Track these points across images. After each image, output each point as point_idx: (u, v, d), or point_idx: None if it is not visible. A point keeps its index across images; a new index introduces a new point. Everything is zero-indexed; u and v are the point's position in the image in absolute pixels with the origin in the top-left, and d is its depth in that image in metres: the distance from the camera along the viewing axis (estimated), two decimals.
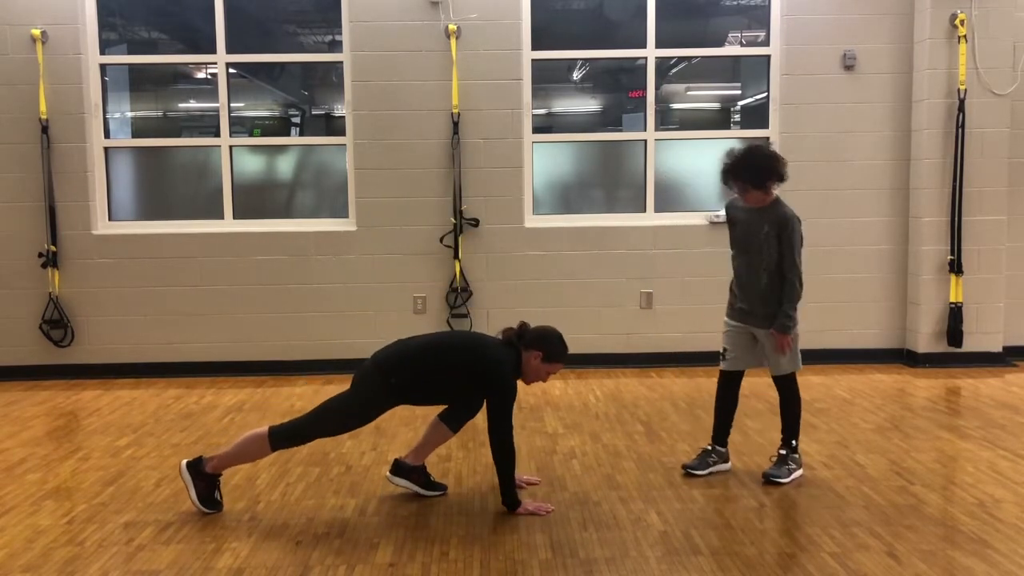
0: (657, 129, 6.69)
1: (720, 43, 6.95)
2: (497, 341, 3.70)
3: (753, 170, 3.80)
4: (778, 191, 3.95)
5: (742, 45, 6.96)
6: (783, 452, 4.00)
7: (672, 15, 6.67)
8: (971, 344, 6.45)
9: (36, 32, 6.28)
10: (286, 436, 3.58)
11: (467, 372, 3.59)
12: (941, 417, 5.09)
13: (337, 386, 3.91)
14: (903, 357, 6.67)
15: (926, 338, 6.48)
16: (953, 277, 6.42)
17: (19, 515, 3.66)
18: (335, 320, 6.55)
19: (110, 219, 6.62)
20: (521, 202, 6.56)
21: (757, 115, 6.85)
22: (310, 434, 3.66)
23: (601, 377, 6.27)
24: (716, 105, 7.54)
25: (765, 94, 6.74)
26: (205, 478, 3.63)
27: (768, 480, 3.91)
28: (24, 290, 6.44)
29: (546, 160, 6.82)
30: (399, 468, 3.84)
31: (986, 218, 6.44)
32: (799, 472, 3.98)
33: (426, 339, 3.75)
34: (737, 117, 7.31)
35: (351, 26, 6.43)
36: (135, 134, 6.96)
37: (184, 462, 3.67)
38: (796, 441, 4.01)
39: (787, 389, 4.00)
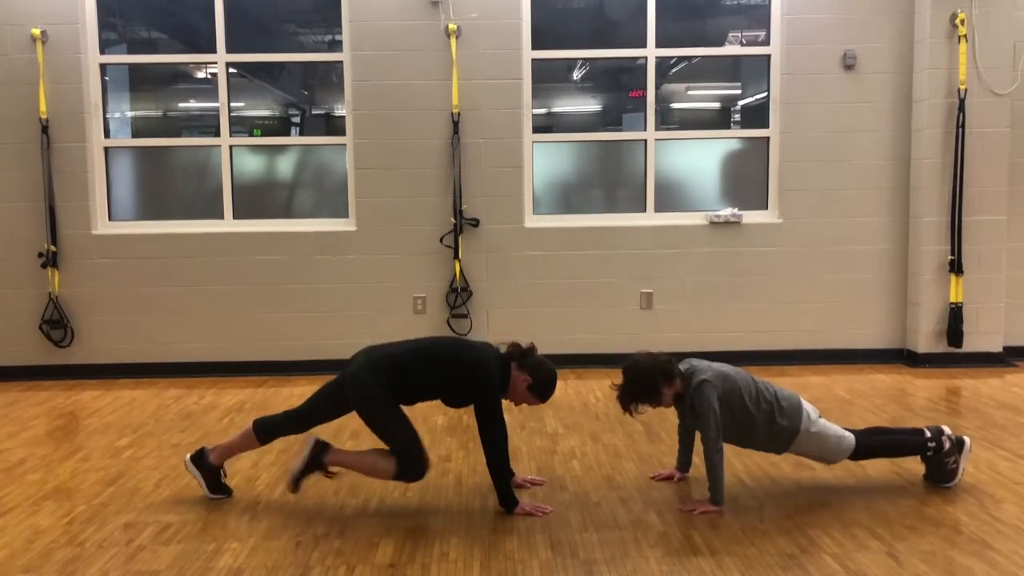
0: (657, 129, 6.69)
1: (720, 43, 6.95)
2: (488, 348, 3.70)
3: (639, 390, 3.62)
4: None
5: (742, 45, 6.96)
6: (928, 462, 3.87)
7: (672, 15, 6.67)
8: (971, 344, 6.45)
9: (36, 32, 6.28)
10: (271, 427, 3.78)
11: (454, 376, 3.60)
12: (941, 417, 5.09)
13: None
14: (903, 357, 6.67)
15: (926, 338, 6.49)
16: (953, 277, 6.42)
17: (19, 515, 3.66)
18: (335, 320, 6.55)
19: (110, 219, 6.63)
20: (521, 202, 6.56)
21: (757, 115, 6.85)
22: (303, 424, 3.78)
23: (601, 377, 6.26)
24: (716, 105, 7.53)
25: (765, 94, 6.74)
26: (211, 469, 3.77)
27: (939, 485, 3.85)
28: (24, 290, 6.44)
29: (546, 160, 6.82)
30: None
31: (986, 218, 6.43)
32: (960, 464, 3.82)
33: (415, 342, 3.77)
34: (737, 117, 7.31)
35: (351, 26, 6.43)
36: (135, 134, 6.96)
37: (188, 456, 3.83)
38: (928, 450, 3.81)
39: (864, 457, 3.84)
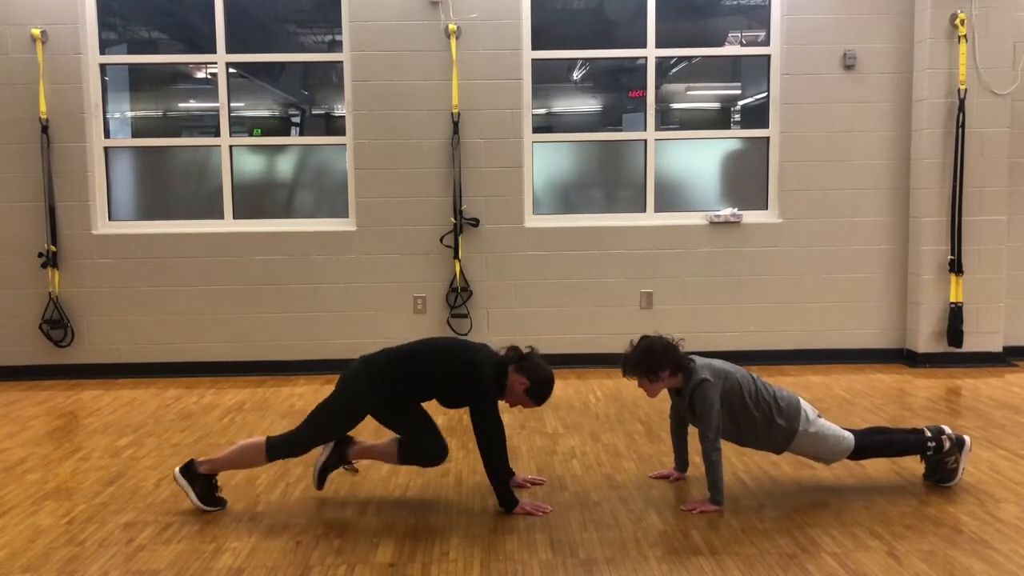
0: (657, 129, 6.69)
1: (720, 43, 6.94)
2: (484, 350, 3.70)
3: (642, 364, 3.68)
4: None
5: (742, 45, 6.95)
6: (928, 461, 3.85)
7: (672, 15, 6.67)
8: (971, 344, 6.45)
9: (36, 32, 6.28)
10: (282, 447, 3.65)
11: (449, 377, 3.60)
12: (941, 417, 5.09)
13: None
14: (903, 357, 6.67)
15: (926, 338, 6.48)
16: (953, 277, 6.42)
17: (19, 515, 3.66)
18: (335, 320, 6.55)
19: (110, 219, 6.63)
20: (521, 202, 6.56)
21: (757, 115, 6.85)
22: (306, 444, 3.69)
23: (601, 377, 6.26)
24: (716, 105, 7.53)
25: (765, 94, 6.74)
26: (201, 479, 3.65)
27: (939, 485, 3.83)
28: (24, 290, 6.44)
29: (546, 160, 6.82)
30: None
31: (986, 218, 6.44)
32: (960, 464, 3.79)
33: (412, 345, 3.78)
34: (737, 117, 7.31)
35: (351, 26, 6.43)
36: (135, 134, 6.96)
37: (177, 469, 3.69)
38: (928, 450, 3.79)
39: (864, 457, 3.81)
